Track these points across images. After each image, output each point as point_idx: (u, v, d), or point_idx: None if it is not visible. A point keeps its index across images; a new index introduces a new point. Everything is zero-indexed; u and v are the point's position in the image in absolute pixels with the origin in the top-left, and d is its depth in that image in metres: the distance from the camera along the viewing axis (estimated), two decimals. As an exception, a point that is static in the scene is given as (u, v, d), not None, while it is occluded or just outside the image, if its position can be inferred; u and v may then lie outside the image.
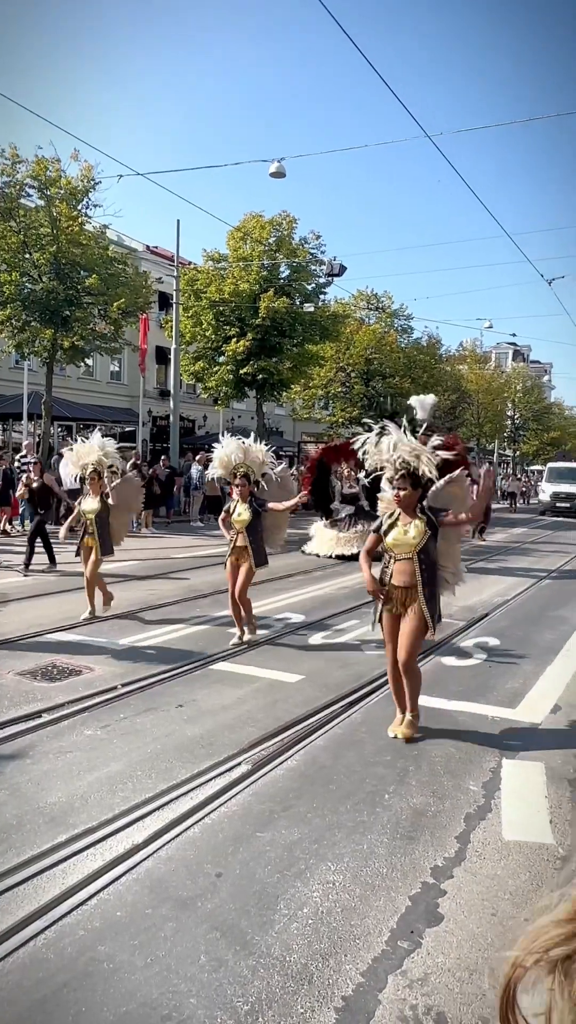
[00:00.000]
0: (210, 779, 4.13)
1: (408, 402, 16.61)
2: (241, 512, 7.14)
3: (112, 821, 3.62)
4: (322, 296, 26.45)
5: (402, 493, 4.84)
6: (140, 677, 5.95)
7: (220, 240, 44.17)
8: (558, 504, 29.31)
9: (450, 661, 6.84)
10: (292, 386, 27.81)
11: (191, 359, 25.26)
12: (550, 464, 35.44)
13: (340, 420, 33.25)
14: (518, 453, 56.57)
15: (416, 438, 5.12)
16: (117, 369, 31.80)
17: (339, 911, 2.98)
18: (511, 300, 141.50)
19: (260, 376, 24.36)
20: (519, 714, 5.46)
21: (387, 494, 5.34)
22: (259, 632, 7.50)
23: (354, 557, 12.06)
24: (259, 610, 8.36)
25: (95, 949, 2.71)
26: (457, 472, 5.28)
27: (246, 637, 7.17)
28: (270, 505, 7.22)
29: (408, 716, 4.91)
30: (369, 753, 4.59)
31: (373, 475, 5.52)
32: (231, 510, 7.26)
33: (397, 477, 4.87)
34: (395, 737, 4.85)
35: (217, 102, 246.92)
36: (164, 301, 27.27)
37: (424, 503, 5.00)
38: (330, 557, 13.53)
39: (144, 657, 6.59)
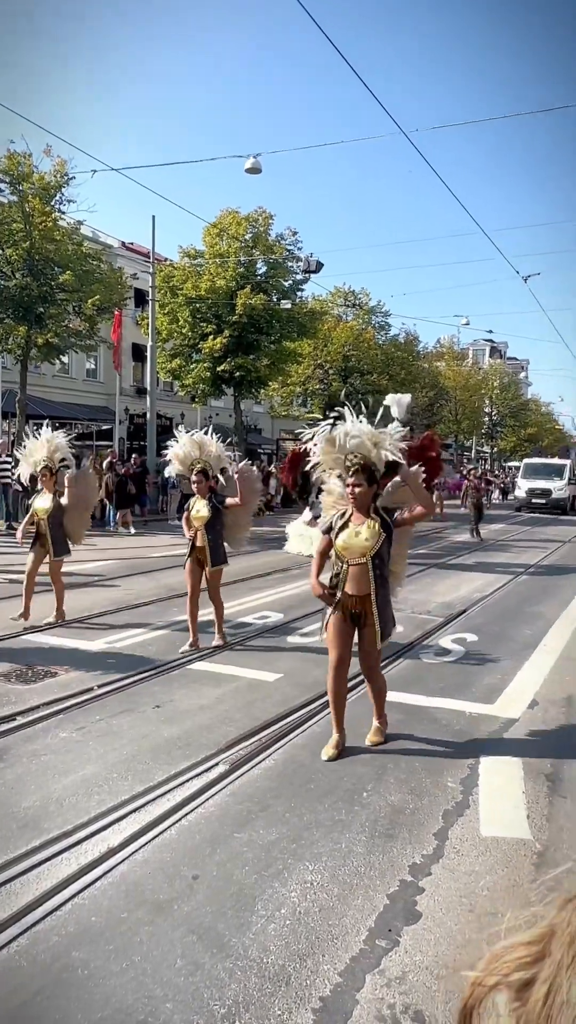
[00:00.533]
0: (187, 780, 4.09)
1: (384, 401, 16.64)
2: (200, 509, 6.86)
3: (87, 825, 3.58)
4: (299, 293, 26.48)
5: (357, 490, 4.38)
6: (116, 678, 5.88)
7: (196, 236, 43.96)
8: (534, 500, 29.64)
9: (428, 658, 6.86)
10: (270, 383, 27.80)
11: (168, 356, 25.11)
12: (526, 460, 35.79)
13: (318, 417, 33.26)
14: (496, 449, 57.07)
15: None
16: (93, 367, 31.52)
17: (317, 911, 2.97)
18: (488, 297, 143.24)
19: (237, 373, 24.30)
20: (497, 710, 5.48)
21: (334, 487, 4.86)
22: (238, 631, 7.45)
23: None
24: (235, 609, 8.33)
25: (70, 955, 2.66)
26: (412, 469, 4.60)
27: (215, 642, 6.88)
28: (229, 501, 6.94)
29: (375, 723, 4.74)
30: (347, 751, 4.57)
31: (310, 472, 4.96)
32: (190, 507, 7.01)
33: (351, 472, 4.40)
34: (326, 759, 4.38)
35: (193, 98, 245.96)
36: (140, 298, 27.04)
37: (376, 503, 4.54)
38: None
39: (121, 657, 6.53)
